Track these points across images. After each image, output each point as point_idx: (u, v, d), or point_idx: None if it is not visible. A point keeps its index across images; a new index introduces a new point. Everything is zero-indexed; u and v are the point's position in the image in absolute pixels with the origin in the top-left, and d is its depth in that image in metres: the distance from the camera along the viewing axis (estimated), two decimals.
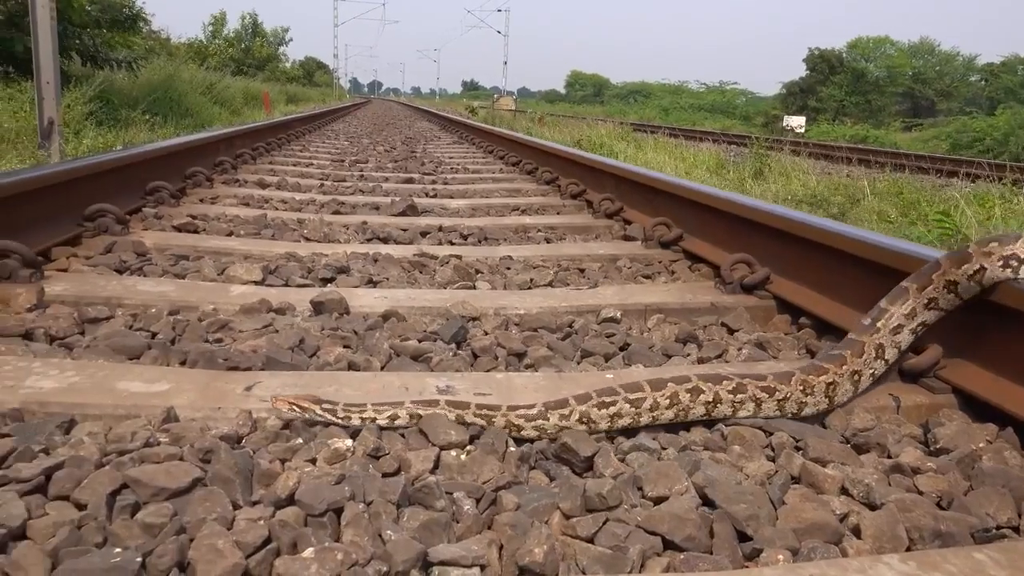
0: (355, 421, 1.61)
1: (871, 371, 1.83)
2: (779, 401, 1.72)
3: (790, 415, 1.74)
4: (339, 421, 1.61)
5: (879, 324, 1.85)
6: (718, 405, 1.69)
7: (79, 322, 2.21)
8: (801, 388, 1.73)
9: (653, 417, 1.67)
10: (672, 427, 1.71)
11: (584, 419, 1.62)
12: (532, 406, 1.63)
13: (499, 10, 63.00)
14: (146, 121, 12.93)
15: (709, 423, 1.72)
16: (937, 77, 61.86)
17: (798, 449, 1.61)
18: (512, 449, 1.54)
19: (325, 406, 1.61)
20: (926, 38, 64.95)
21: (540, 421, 1.61)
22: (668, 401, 1.66)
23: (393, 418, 1.62)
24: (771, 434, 1.67)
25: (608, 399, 1.64)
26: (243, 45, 50.71)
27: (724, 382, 1.70)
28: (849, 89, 55.78)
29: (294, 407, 1.60)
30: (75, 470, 1.35)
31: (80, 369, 1.83)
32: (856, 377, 1.80)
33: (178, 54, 27.64)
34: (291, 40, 58.08)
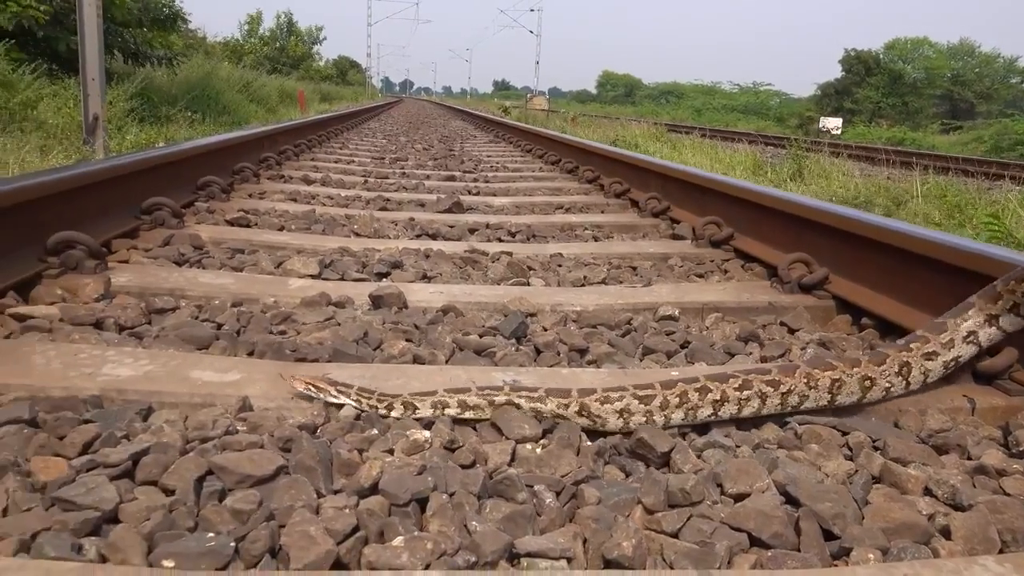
0: (364, 406, 1.65)
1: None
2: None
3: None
4: (352, 403, 1.65)
5: None
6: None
7: (146, 312, 2.24)
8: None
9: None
10: (743, 424, 1.70)
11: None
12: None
13: (532, 10, 63.00)
14: (187, 118, 13.09)
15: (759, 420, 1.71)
16: (977, 79, 60.79)
17: (876, 449, 1.59)
18: (588, 444, 1.54)
19: (340, 388, 1.65)
20: (966, 39, 63.94)
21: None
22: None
23: (389, 408, 1.64)
24: (847, 433, 1.64)
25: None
26: (278, 44, 51.20)
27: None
28: (886, 91, 55.04)
29: (310, 386, 1.64)
30: (161, 456, 1.37)
31: (153, 358, 1.85)
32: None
33: (214, 53, 28.03)
34: (325, 39, 58.53)
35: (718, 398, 1.64)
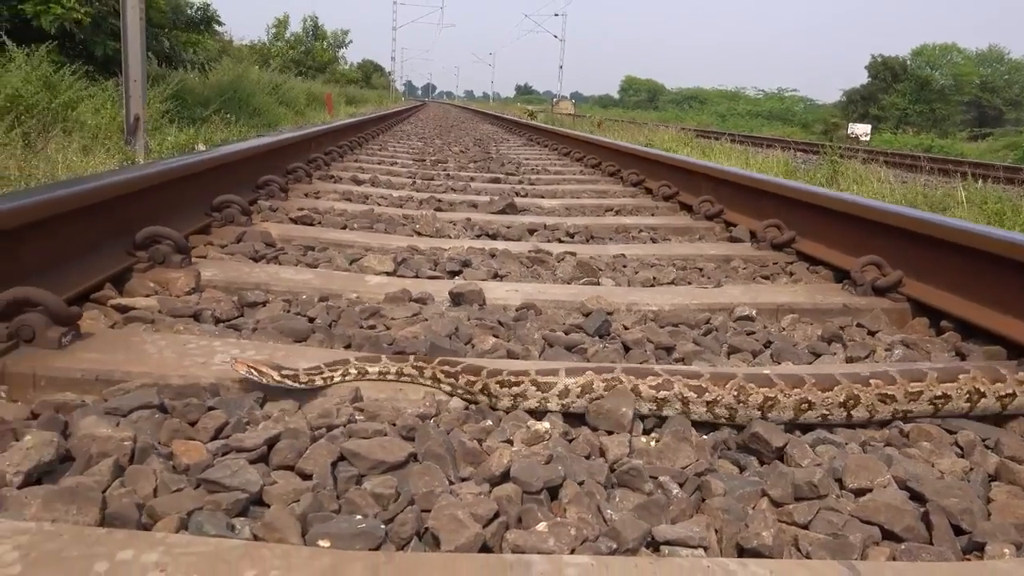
0: (318, 382, 1.68)
1: None
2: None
3: None
4: (300, 385, 1.65)
5: None
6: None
7: (238, 306, 2.29)
8: None
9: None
10: (848, 423, 1.71)
11: None
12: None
13: (556, 14, 63.03)
14: (223, 119, 13.23)
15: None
16: (1006, 86, 60.17)
17: (988, 448, 1.60)
18: (704, 437, 1.56)
19: (285, 372, 1.64)
20: (995, 46, 63.27)
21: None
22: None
23: (345, 375, 1.72)
24: (954, 432, 1.65)
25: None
26: (303, 47, 51.58)
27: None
28: (913, 97, 54.61)
29: (252, 370, 1.62)
30: (294, 442, 1.40)
31: (258, 349, 1.90)
32: None
33: (241, 56, 28.28)
34: (351, 43, 58.90)
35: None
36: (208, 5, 16.92)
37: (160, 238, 2.60)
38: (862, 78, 60.80)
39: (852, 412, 1.66)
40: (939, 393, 1.68)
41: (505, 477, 1.35)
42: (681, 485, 1.39)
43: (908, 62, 57.18)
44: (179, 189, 3.15)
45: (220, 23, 17.58)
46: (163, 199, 2.98)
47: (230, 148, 4.16)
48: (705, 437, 1.57)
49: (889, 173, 12.20)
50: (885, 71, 56.07)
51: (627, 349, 2.15)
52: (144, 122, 9.59)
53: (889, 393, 1.67)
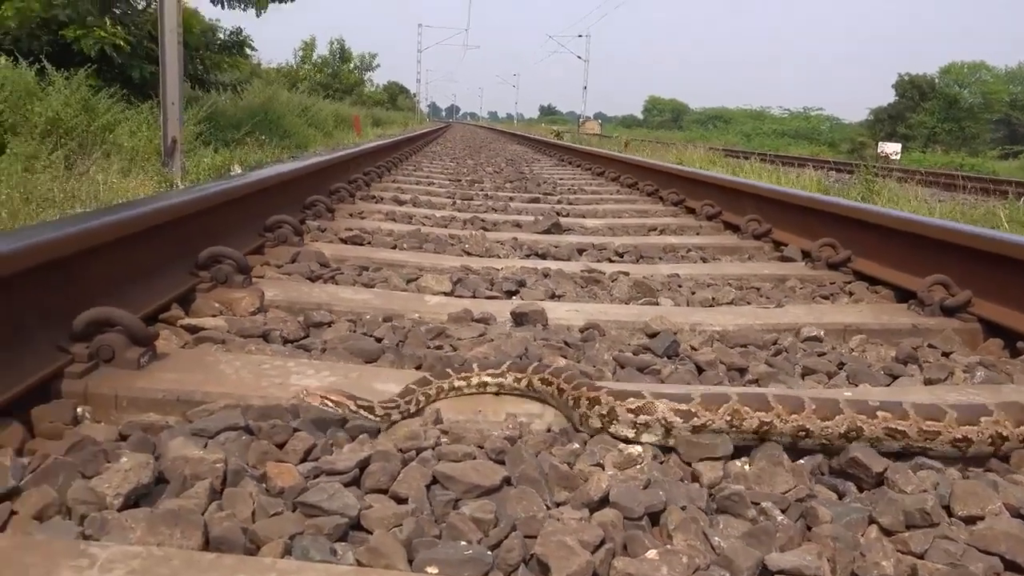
0: (395, 416, 1.62)
1: None
2: None
3: None
4: (375, 418, 1.59)
5: None
6: None
7: (304, 326, 2.28)
8: None
9: None
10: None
11: None
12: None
13: (580, 35, 63.35)
14: (257, 141, 13.38)
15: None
16: None
17: None
18: (802, 462, 1.52)
19: (360, 402, 1.58)
20: None
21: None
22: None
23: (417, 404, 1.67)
24: None
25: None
26: (330, 70, 52.22)
27: None
28: (941, 116, 54.14)
29: (326, 401, 1.55)
30: (385, 464, 1.38)
31: (332, 370, 1.88)
32: None
33: (269, 78, 28.65)
34: (378, 66, 59.57)
35: None
36: (241, 29, 17.16)
37: (222, 258, 2.61)
38: (889, 97, 60.44)
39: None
40: (960, 436, 1.58)
41: (604, 502, 1.32)
42: (784, 511, 1.35)
43: (936, 80, 56.76)
44: (234, 210, 3.16)
45: (253, 47, 17.80)
46: (220, 220, 2.99)
47: (278, 169, 4.18)
48: (802, 462, 1.52)
49: (923, 191, 12.09)
50: (912, 89, 55.69)
51: (700, 370, 2.12)
52: (181, 144, 9.71)
53: (899, 429, 1.57)
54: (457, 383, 1.77)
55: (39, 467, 1.32)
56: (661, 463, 1.51)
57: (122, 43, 12.53)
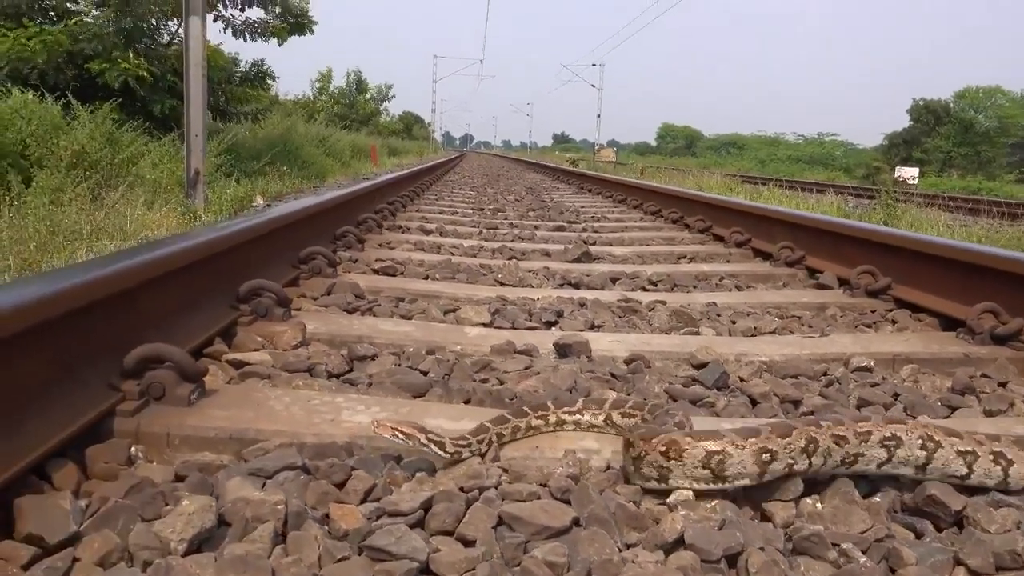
0: (465, 455, 1.56)
1: None
2: None
3: None
4: (445, 454, 1.55)
5: None
6: None
7: (348, 359, 2.25)
8: None
9: None
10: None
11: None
12: None
13: (594, 64, 63.83)
14: (279, 172, 13.49)
15: None
16: None
17: None
18: (877, 499, 1.47)
19: (431, 435, 1.54)
20: None
21: None
22: None
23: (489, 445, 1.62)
24: None
25: None
26: (347, 101, 52.76)
27: None
28: (956, 140, 53.93)
29: (397, 433, 1.52)
30: (450, 505, 1.34)
31: (383, 405, 1.85)
32: None
33: (286, 109, 28.95)
34: (394, 96, 60.12)
35: None
36: (262, 61, 17.39)
37: (262, 291, 2.59)
38: (903, 122, 60.30)
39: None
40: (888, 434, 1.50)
41: (679, 543, 1.28)
42: (864, 552, 1.29)
43: (951, 105, 56.62)
44: (269, 242, 3.16)
45: (273, 78, 18.02)
46: (257, 253, 2.98)
47: (309, 201, 4.18)
48: (876, 499, 1.47)
49: (946, 216, 11.98)
50: (927, 114, 55.55)
51: (754, 403, 2.07)
52: (204, 176, 9.79)
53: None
54: (535, 422, 1.72)
55: (98, 510, 1.30)
56: (733, 501, 1.46)
57: (145, 74, 12.70)
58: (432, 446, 1.53)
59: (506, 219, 6.91)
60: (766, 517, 1.43)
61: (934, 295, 3.14)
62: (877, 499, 1.47)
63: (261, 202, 10.57)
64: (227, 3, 15.67)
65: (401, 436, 1.52)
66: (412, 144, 53.66)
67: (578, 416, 1.74)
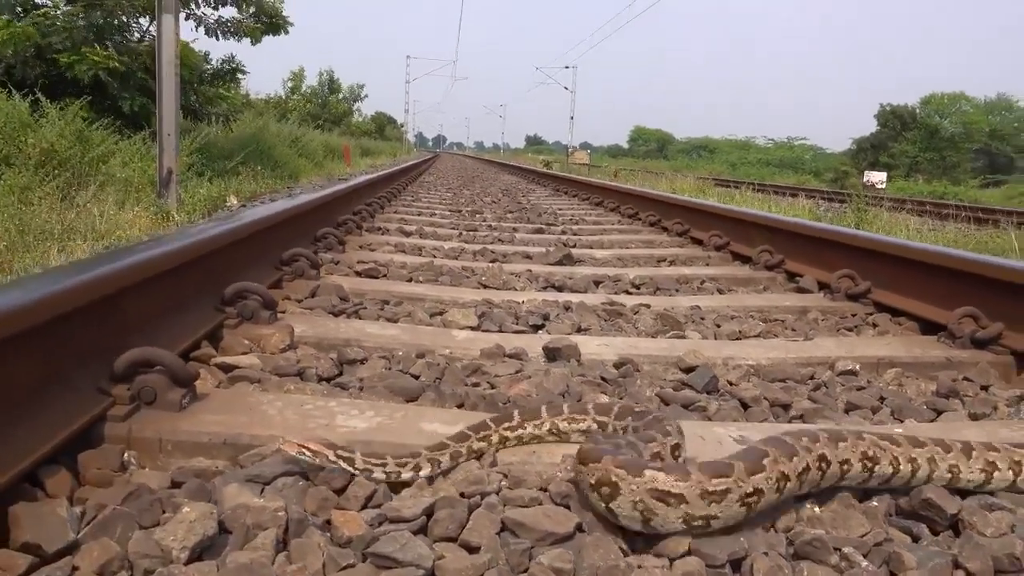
0: (377, 475, 1.46)
1: None
2: None
3: None
4: (355, 470, 1.46)
5: None
6: None
7: (337, 363, 2.23)
8: None
9: None
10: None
11: None
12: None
13: (566, 67, 64.01)
14: (252, 172, 13.35)
15: None
16: (1015, 133, 60.35)
17: None
18: (875, 504, 1.48)
19: (340, 452, 1.46)
20: (1003, 94, 63.60)
21: None
22: None
23: (416, 468, 1.49)
24: None
25: None
26: (320, 100, 52.38)
27: None
28: (923, 145, 54.80)
29: (303, 451, 1.45)
30: (452, 511, 1.34)
31: (376, 410, 1.83)
32: None
33: (258, 108, 28.71)
34: (366, 96, 59.81)
35: None
36: (233, 56, 17.19)
37: (247, 293, 2.56)
38: (871, 126, 61.21)
39: None
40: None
41: (687, 551, 1.28)
42: (865, 556, 1.31)
43: (917, 111, 57.54)
44: (253, 244, 3.12)
45: (244, 72, 17.80)
46: (240, 255, 2.95)
47: (293, 202, 4.14)
48: (874, 503, 1.48)
49: (915, 220, 12.17)
50: (894, 119, 56.40)
51: (745, 407, 2.08)
52: (177, 175, 9.66)
53: None
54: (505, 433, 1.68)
55: (95, 518, 1.27)
56: None
57: (116, 64, 12.48)
58: (341, 463, 1.45)
59: (484, 221, 6.90)
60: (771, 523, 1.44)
61: (913, 299, 3.19)
62: (874, 503, 1.49)
63: (235, 202, 10.45)
64: (200, 1, 15.48)
65: (308, 454, 1.45)
66: (385, 145, 53.41)
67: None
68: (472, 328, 2.78)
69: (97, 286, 1.77)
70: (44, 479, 1.38)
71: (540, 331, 2.85)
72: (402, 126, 78.94)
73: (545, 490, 1.46)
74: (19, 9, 14.18)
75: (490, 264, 4.09)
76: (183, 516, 1.24)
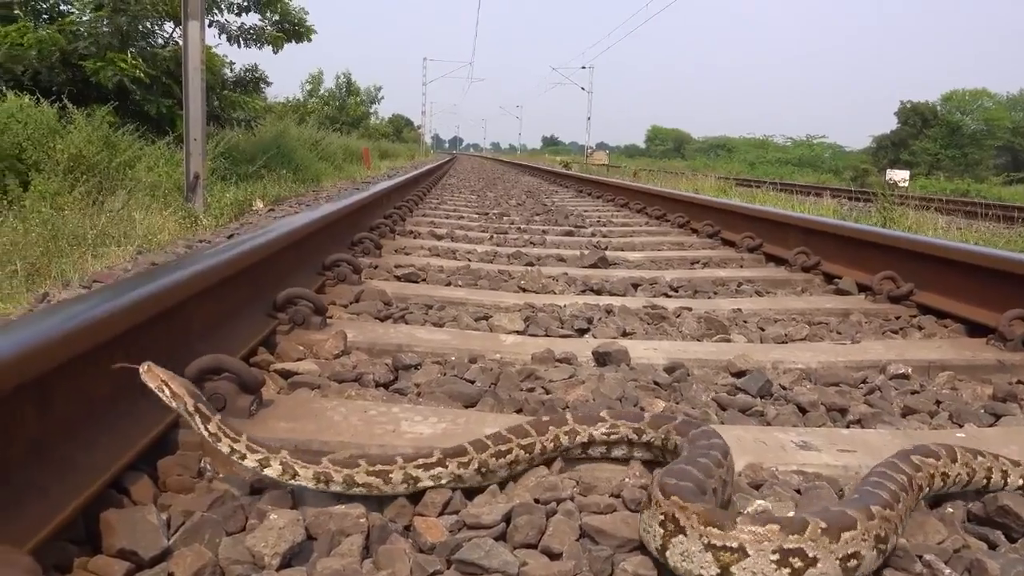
0: (223, 447, 1.38)
1: None
2: None
3: None
4: (205, 431, 1.38)
5: None
6: None
7: (392, 368, 2.25)
8: None
9: None
10: None
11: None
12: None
13: (583, 67, 63.98)
14: (276, 176, 13.45)
15: None
16: None
17: None
18: (950, 510, 1.48)
19: (201, 406, 1.38)
20: None
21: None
22: None
23: (264, 463, 1.38)
24: None
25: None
26: (338, 103, 52.65)
27: None
28: (944, 143, 54.39)
29: (164, 387, 1.38)
30: (531, 517, 1.35)
31: (439, 415, 1.85)
32: None
33: (277, 112, 28.88)
34: (383, 99, 60.06)
35: None
36: (256, 66, 17.35)
37: (298, 299, 2.59)
38: (891, 124, 60.72)
39: None
40: None
41: None
42: (946, 563, 1.30)
43: (938, 108, 57.10)
44: (298, 250, 3.15)
45: (268, 83, 17.96)
46: (285, 261, 2.98)
47: (330, 208, 4.17)
48: (950, 510, 1.48)
49: (943, 219, 12.04)
50: (915, 117, 56.03)
51: (803, 411, 2.08)
52: (203, 179, 9.75)
53: None
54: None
55: (183, 524, 1.29)
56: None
57: (142, 75, 12.61)
58: (197, 417, 1.38)
59: (512, 224, 6.92)
60: None
61: (960, 301, 3.17)
62: (949, 509, 1.48)
63: (261, 206, 10.52)
64: (223, 8, 15.60)
65: (167, 393, 1.38)
66: (402, 147, 53.62)
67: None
68: (519, 332, 2.80)
69: (165, 296, 1.79)
70: (129, 486, 1.41)
71: (586, 335, 2.86)
72: (419, 128, 79.21)
73: (618, 496, 1.47)
74: (45, 16, 14.39)
75: (528, 268, 4.10)
76: (271, 523, 1.26)
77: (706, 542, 1.15)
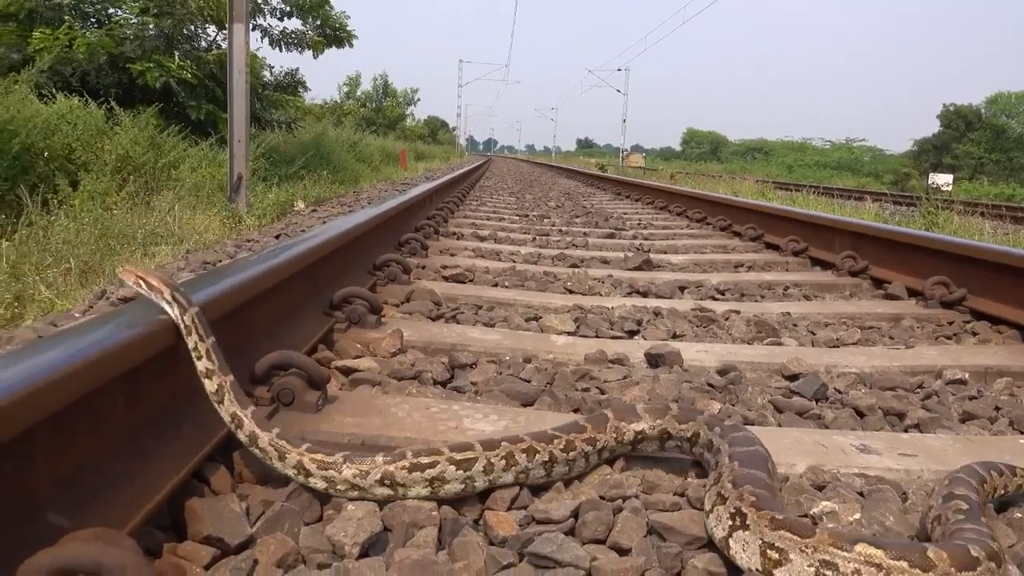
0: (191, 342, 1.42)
1: None
2: None
3: None
4: (181, 322, 1.42)
5: None
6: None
7: (449, 367, 2.29)
8: None
9: None
10: None
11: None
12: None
13: (619, 69, 63.76)
14: (316, 177, 13.61)
15: None
16: None
17: None
18: (1017, 515, 1.48)
19: (178, 296, 1.41)
20: None
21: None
22: None
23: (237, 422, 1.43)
24: None
25: None
26: (374, 105, 53.12)
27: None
28: (988, 146, 53.28)
29: (140, 282, 1.43)
30: (599, 513, 1.37)
31: (499, 414, 1.88)
32: None
33: (315, 114, 29.21)
34: (419, 100, 60.48)
35: None
36: (297, 70, 17.58)
37: (353, 298, 2.64)
38: (933, 127, 59.69)
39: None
40: None
41: None
42: (1018, 567, 1.30)
43: (982, 110, 55.98)
44: (347, 251, 3.20)
45: (307, 88, 18.19)
46: (338, 261, 3.03)
47: (377, 210, 4.22)
48: (1018, 515, 1.48)
49: (989, 224, 11.83)
50: (958, 120, 54.94)
51: (861, 415, 2.08)
52: (247, 180, 9.90)
53: None
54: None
55: (263, 514, 1.34)
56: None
57: (189, 76, 12.84)
58: (175, 308, 1.41)
59: (553, 226, 6.94)
60: None
61: (1013, 306, 3.13)
62: (1017, 514, 1.48)
63: (302, 206, 10.66)
64: (267, 13, 15.83)
65: (144, 287, 1.43)
66: (437, 149, 53.96)
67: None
68: (570, 333, 2.82)
69: (233, 295, 1.84)
70: (208, 476, 1.46)
71: (636, 336, 2.87)
72: (454, 130, 79.61)
73: (683, 495, 1.49)
74: (92, 20, 14.70)
75: (574, 270, 4.12)
76: (350, 514, 1.30)
77: None
